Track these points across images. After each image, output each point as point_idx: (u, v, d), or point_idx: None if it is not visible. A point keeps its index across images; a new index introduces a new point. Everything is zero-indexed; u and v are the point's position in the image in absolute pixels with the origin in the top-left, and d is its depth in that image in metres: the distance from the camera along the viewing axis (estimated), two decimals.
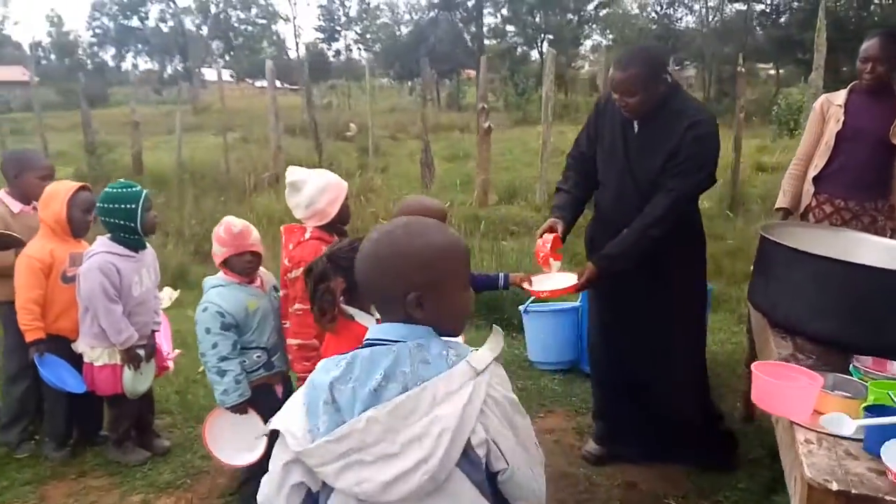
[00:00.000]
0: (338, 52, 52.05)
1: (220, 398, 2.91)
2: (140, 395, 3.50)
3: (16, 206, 3.60)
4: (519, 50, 38.95)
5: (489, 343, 1.34)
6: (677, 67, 38.25)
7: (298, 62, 45.69)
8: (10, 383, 3.66)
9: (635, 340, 3.26)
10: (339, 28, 51.18)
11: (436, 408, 1.21)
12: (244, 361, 2.95)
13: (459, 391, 1.23)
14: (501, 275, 3.18)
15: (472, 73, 34.99)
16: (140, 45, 54.16)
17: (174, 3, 46.58)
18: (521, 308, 4.71)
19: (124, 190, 3.29)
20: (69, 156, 13.57)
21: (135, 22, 48.50)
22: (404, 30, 44.36)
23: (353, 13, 51.36)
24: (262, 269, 3.23)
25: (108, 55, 61.44)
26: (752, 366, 2.09)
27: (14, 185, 3.62)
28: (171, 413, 4.11)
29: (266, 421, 2.70)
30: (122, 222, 3.27)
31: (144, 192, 3.33)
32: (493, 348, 1.33)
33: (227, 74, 51.98)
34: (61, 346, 3.40)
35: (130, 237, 3.32)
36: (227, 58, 48.91)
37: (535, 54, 39.86)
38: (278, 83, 44.10)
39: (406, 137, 18.21)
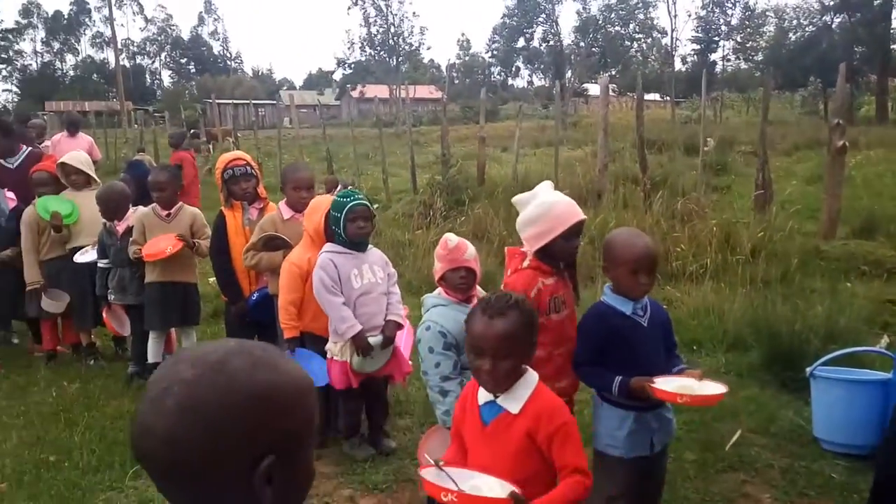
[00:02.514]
0: (713, 63, 49.40)
1: (442, 418, 2.93)
2: (367, 372, 3.68)
3: (287, 213, 4.14)
4: None
5: None
6: None
7: (670, 75, 44.66)
8: None
9: None
10: (716, 39, 48.53)
11: None
12: (462, 382, 2.93)
13: None
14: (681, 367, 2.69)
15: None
16: (526, 65, 58.64)
17: (557, 24, 49.29)
18: (807, 370, 3.85)
19: (341, 199, 3.57)
20: (435, 166, 15.26)
21: (522, 42, 52.60)
22: (792, 37, 39.99)
23: (734, 22, 48.31)
24: (478, 289, 3.20)
25: (503, 74, 67.85)
26: None
27: (285, 194, 4.18)
28: (411, 415, 4.31)
29: None
30: (333, 227, 3.58)
31: (352, 203, 3.53)
32: None
33: (609, 89, 53.29)
34: (317, 342, 3.79)
35: (341, 240, 3.58)
36: (609, 73, 50.05)
37: None
38: (656, 96, 43.19)
39: (771, 154, 16.42)
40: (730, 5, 49.25)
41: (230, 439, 0.85)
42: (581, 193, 9.04)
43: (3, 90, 71.13)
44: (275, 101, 47.13)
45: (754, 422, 4.06)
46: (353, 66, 61.43)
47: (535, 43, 52.61)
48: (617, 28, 47.65)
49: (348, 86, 64.01)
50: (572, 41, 51.08)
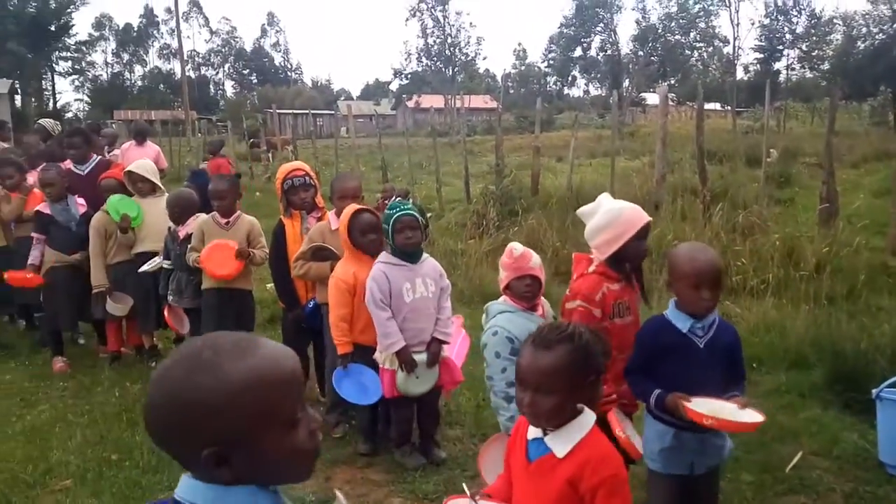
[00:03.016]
0: (777, 72, 48.02)
1: (506, 424, 2.94)
2: (416, 396, 3.73)
3: (335, 224, 4.17)
4: None
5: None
6: None
7: (733, 84, 43.53)
8: (330, 374, 4.24)
9: None
10: (780, 47, 47.20)
11: None
12: None
13: None
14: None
15: None
16: (583, 74, 58.20)
17: (615, 33, 48.70)
18: (873, 391, 3.70)
19: (388, 211, 3.61)
20: (489, 176, 15.26)
21: (579, 52, 52.19)
22: (861, 45, 38.57)
23: (799, 30, 46.87)
24: (543, 298, 3.21)
25: (559, 83, 67.56)
26: None
27: (333, 204, 4.24)
28: (461, 425, 4.30)
29: None
30: (385, 238, 3.63)
31: (398, 214, 3.57)
32: None
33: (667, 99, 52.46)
34: (367, 353, 3.81)
35: (394, 251, 3.62)
36: (668, 82, 49.25)
37: None
38: (717, 106, 42.25)
39: (838, 166, 15.85)
40: (795, 13, 47.95)
41: (177, 434, 1.03)
42: (638, 205, 8.89)
43: (76, 99, 74.26)
44: (333, 112, 47.96)
45: (816, 443, 3.92)
46: (409, 76, 62.05)
47: (593, 52, 52.10)
48: (677, 37, 46.71)
49: (404, 96, 64.66)
50: (630, 50, 50.44)
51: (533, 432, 1.95)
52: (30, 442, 4.29)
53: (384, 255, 3.68)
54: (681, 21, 46.31)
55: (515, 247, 3.10)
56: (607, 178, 11.58)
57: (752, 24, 63.96)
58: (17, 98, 50.76)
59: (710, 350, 2.52)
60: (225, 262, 4.66)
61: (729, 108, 44.23)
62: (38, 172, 5.89)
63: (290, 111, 47.57)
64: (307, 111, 46.35)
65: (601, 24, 49.25)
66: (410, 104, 61.46)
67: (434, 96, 58.45)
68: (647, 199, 9.12)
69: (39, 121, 9.55)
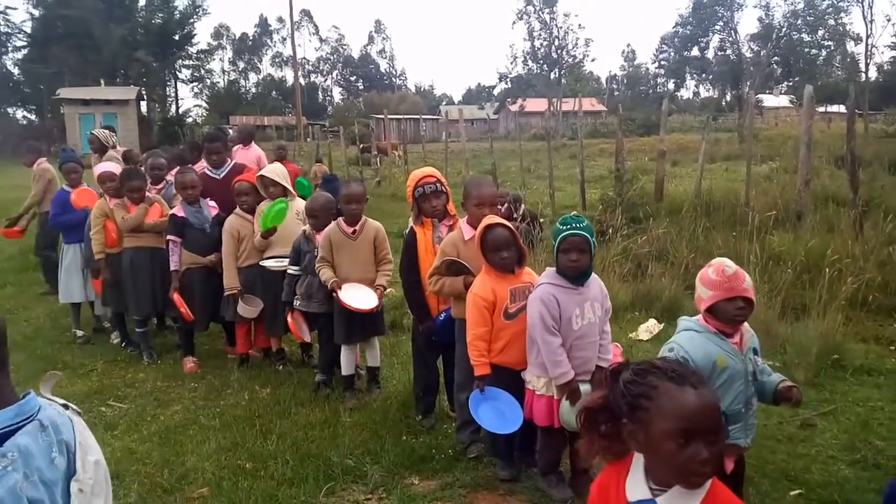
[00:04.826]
0: None
1: None
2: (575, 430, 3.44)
3: (468, 233, 3.89)
4: None
5: (47, 383, 1.43)
6: None
7: (866, 85, 40.39)
8: (458, 390, 4.00)
9: None
10: None
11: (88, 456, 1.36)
12: None
13: (85, 432, 1.39)
14: None
15: None
16: (697, 74, 55.87)
17: (735, 31, 46.26)
18: None
19: (558, 226, 3.29)
20: (604, 180, 14.74)
21: (695, 52, 50.00)
22: None
23: None
24: (746, 326, 2.84)
25: (670, 85, 65.43)
26: None
27: (466, 211, 3.96)
28: None
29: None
30: (552, 255, 3.28)
31: (566, 233, 3.24)
32: (50, 387, 1.43)
33: (786, 100, 49.67)
34: (506, 375, 3.55)
35: (561, 271, 3.30)
36: (789, 83, 46.46)
37: None
38: (839, 108, 39.70)
39: None
40: None
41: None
42: (778, 214, 8.24)
43: (195, 105, 78.17)
44: (438, 117, 48.37)
45: None
46: (512, 80, 61.67)
47: (710, 52, 49.59)
48: (802, 35, 43.76)
49: (508, 100, 64.36)
50: (750, 48, 47.70)
51: (635, 494, 1.56)
52: (164, 444, 4.29)
53: (551, 275, 3.38)
54: (808, 18, 43.38)
55: (728, 264, 2.70)
56: (737, 185, 10.88)
57: (888, 20, 59.39)
58: (143, 104, 54.00)
59: None
60: (364, 300, 4.67)
61: (857, 110, 41.22)
62: (174, 175, 6.00)
63: (396, 116, 48.31)
64: (417, 116, 46.89)
65: (720, 23, 46.82)
66: (514, 108, 61.10)
67: (538, 100, 57.71)
68: (789, 208, 8.44)
69: (93, 131, 9.29)
